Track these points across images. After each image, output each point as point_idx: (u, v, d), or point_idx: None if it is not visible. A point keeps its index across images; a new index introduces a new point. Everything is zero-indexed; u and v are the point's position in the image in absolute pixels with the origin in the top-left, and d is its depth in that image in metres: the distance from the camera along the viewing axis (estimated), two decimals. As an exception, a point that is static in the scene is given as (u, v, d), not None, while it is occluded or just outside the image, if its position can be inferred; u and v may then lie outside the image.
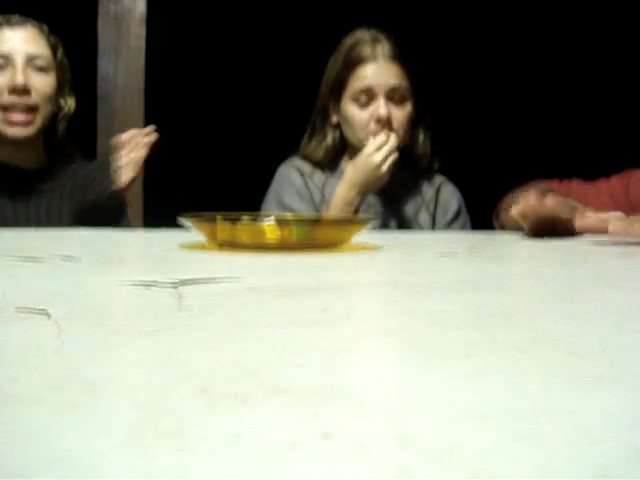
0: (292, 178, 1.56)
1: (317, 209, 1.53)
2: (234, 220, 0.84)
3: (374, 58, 1.48)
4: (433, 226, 1.58)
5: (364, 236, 0.91)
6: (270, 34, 2.56)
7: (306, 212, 1.51)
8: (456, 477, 0.18)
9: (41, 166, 1.48)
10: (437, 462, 0.19)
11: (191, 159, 2.52)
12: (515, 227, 1.25)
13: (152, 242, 1.06)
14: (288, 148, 1.62)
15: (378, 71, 1.48)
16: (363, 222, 0.95)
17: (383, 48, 1.49)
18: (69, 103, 1.52)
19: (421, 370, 0.29)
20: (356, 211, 1.48)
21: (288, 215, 1.25)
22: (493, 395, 0.25)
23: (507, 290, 0.58)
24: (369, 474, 0.18)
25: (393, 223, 1.56)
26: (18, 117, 1.40)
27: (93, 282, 0.55)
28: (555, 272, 0.71)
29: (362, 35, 1.51)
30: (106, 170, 1.42)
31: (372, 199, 1.53)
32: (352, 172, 1.47)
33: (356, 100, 1.49)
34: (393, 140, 1.45)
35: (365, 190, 1.47)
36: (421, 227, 1.57)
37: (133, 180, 1.44)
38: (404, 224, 1.57)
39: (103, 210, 1.44)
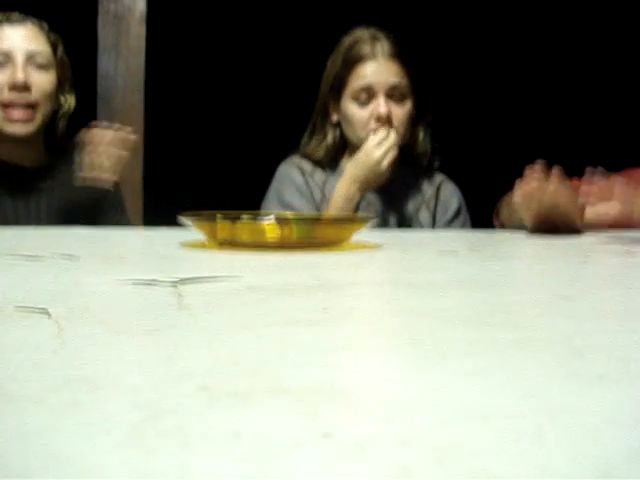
0: (293, 176, 1.56)
1: (317, 208, 1.53)
2: (234, 219, 0.84)
3: (374, 56, 1.48)
4: (433, 224, 1.58)
5: (364, 235, 0.91)
6: (270, 33, 2.56)
7: (307, 210, 1.50)
8: (456, 477, 0.18)
9: (41, 164, 1.48)
10: (437, 462, 0.19)
11: (191, 158, 2.52)
12: (515, 226, 1.25)
13: (152, 241, 1.06)
14: (288, 147, 1.62)
15: (378, 69, 1.48)
16: (363, 221, 0.95)
17: (382, 46, 1.49)
18: (69, 101, 1.52)
19: (421, 369, 0.29)
20: (356, 208, 1.47)
21: (288, 214, 1.25)
22: (493, 394, 0.25)
23: (507, 288, 0.58)
24: (369, 474, 0.18)
25: (393, 221, 1.56)
26: (18, 114, 1.40)
27: (93, 281, 0.55)
28: (555, 270, 0.71)
29: (361, 34, 1.51)
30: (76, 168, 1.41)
31: (372, 197, 1.53)
32: (352, 168, 1.46)
33: (356, 99, 1.49)
34: (393, 136, 1.44)
35: (365, 186, 1.47)
36: (421, 225, 1.57)
37: (117, 182, 1.43)
38: (404, 222, 1.56)
39: (83, 209, 1.43)
